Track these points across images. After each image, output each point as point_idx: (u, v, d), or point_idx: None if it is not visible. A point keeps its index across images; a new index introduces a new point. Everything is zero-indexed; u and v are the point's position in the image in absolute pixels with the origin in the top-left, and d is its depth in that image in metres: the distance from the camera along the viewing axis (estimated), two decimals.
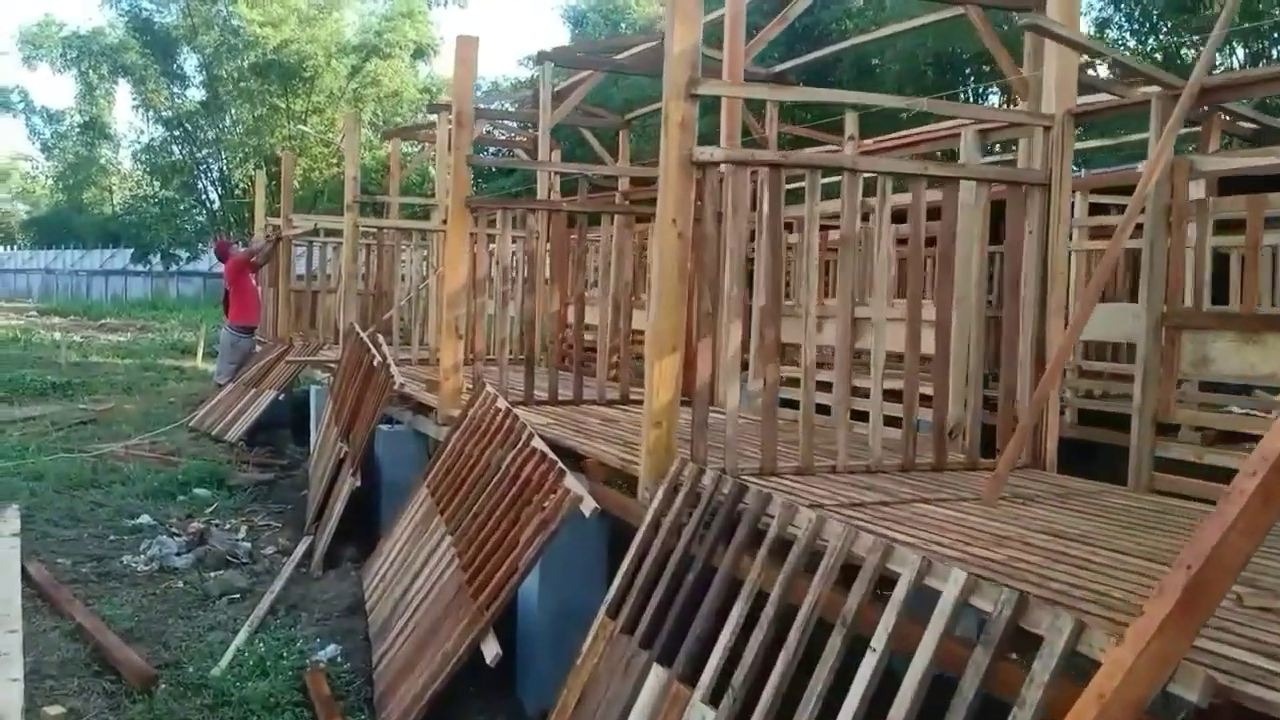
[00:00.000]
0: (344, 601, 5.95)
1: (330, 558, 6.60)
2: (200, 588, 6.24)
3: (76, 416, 12.18)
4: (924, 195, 4.48)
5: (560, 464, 4.57)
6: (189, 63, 43.74)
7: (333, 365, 9.80)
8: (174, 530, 7.42)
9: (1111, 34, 33.14)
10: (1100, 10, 32.61)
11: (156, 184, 43.87)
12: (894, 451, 4.67)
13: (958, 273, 4.75)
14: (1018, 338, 4.70)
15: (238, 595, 6.11)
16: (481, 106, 13.43)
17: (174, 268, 40.32)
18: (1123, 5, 31.34)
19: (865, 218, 5.58)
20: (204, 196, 45.29)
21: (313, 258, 12.77)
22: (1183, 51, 31.18)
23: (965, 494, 4.10)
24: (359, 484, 6.48)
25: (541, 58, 9.96)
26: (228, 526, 7.60)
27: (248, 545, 7.02)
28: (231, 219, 44.98)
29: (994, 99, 33.54)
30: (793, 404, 4.65)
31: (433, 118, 12.74)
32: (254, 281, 12.42)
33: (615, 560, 4.86)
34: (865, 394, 5.43)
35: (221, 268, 12.93)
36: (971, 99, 32.56)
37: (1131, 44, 33.13)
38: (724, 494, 3.72)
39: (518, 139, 14.78)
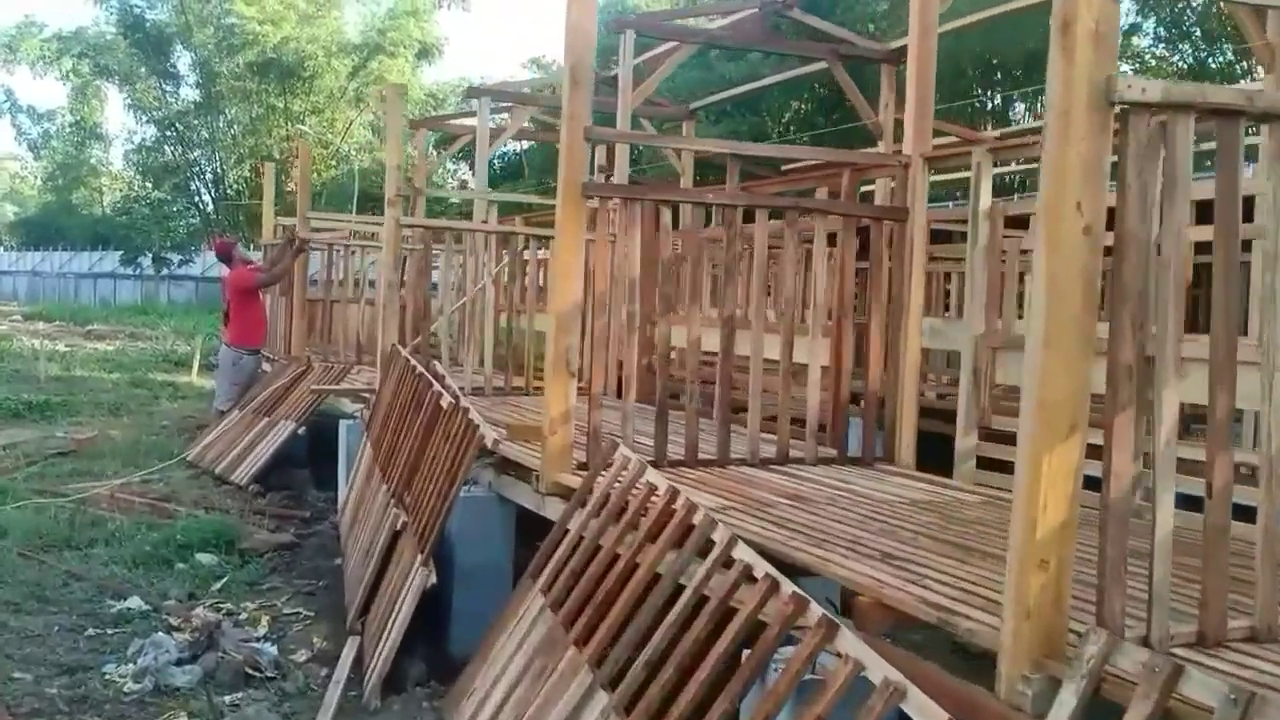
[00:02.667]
0: None
1: (391, 677, 4.72)
2: None
3: (54, 446, 10.26)
4: None
5: (824, 611, 2.73)
6: (182, 61, 41.98)
7: (367, 394, 7.93)
8: (172, 621, 5.54)
9: (1140, 42, 31.66)
10: (1127, 16, 30.93)
11: (148, 185, 42.01)
12: None
13: None
14: None
15: None
16: (525, 92, 11.61)
17: (165, 271, 38.24)
18: (1152, 12, 29.76)
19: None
20: (197, 198, 43.46)
21: (333, 263, 10.82)
22: (1210, 63, 29.65)
23: None
24: (434, 579, 4.60)
25: (620, 25, 8.15)
26: (243, 616, 5.70)
27: (273, 650, 5.12)
28: (226, 222, 43.18)
29: (1020, 106, 32.04)
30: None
31: (471, 104, 10.87)
32: (263, 300, 10.48)
33: None
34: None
35: (221, 270, 10.98)
36: (998, 103, 31.13)
37: (1160, 51, 31.61)
38: None
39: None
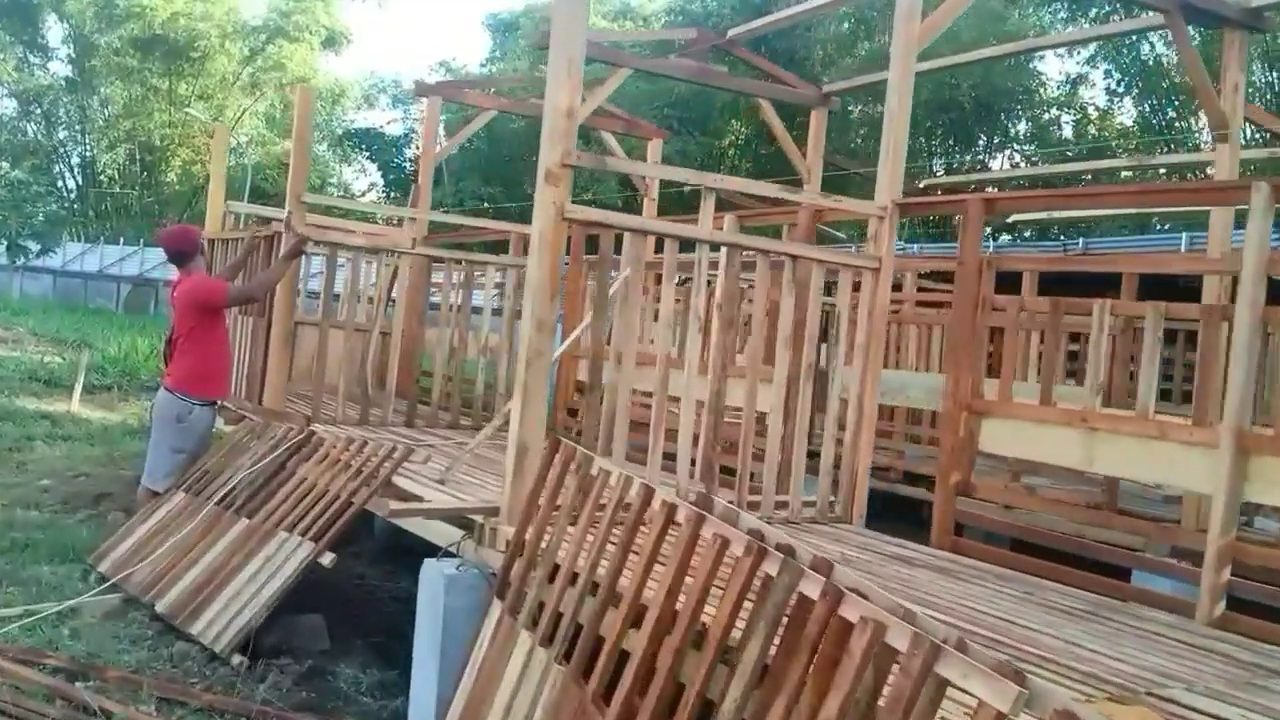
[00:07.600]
0: None
1: None
2: None
3: None
4: None
5: None
6: (54, 33, 36.68)
7: (473, 515, 4.31)
8: None
9: (1085, 93, 30.35)
10: (1079, 65, 29.27)
11: (4, 165, 36.35)
12: None
13: None
14: None
15: None
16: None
17: (21, 261, 32.66)
18: (1106, 61, 27.99)
19: None
20: (61, 183, 37.95)
21: (334, 275, 7.02)
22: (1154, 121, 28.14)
23: None
24: None
25: None
26: None
27: None
28: (91, 211, 37.87)
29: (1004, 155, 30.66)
30: None
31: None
32: (227, 327, 6.52)
33: None
34: None
35: (166, 270, 7.12)
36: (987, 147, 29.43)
37: (1103, 105, 30.11)
38: None
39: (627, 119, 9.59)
